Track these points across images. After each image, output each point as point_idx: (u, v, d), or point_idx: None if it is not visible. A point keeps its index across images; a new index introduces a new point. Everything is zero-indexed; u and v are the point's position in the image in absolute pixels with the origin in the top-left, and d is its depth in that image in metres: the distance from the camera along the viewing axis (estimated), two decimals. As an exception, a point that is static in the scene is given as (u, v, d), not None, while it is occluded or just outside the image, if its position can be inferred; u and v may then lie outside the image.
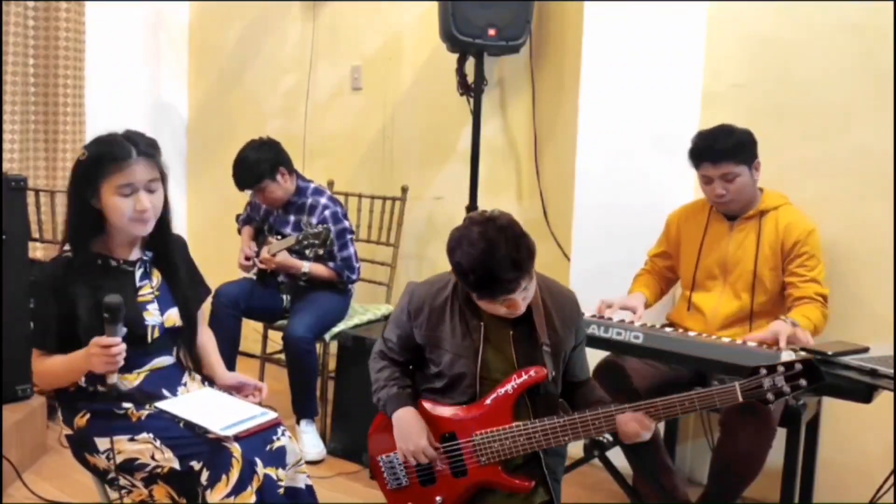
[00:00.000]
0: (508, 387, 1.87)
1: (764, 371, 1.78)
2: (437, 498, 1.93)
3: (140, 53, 4.64)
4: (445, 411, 1.93)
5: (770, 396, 1.78)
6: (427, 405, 1.96)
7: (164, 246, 2.04)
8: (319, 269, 3.27)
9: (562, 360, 1.93)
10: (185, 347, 2.08)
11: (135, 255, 2.00)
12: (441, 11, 3.19)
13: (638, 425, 1.83)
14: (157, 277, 2.03)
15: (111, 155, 1.86)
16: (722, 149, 2.43)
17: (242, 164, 3.27)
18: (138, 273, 1.99)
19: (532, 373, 1.86)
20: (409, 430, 1.90)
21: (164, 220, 1.99)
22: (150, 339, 1.95)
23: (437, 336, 1.93)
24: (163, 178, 1.94)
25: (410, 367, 2.07)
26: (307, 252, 3.13)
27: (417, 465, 1.94)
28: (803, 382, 1.76)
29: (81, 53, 4.18)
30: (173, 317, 2.01)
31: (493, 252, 1.69)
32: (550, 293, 1.94)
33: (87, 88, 4.25)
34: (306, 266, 3.23)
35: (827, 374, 2.03)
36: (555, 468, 1.93)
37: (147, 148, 1.91)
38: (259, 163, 3.24)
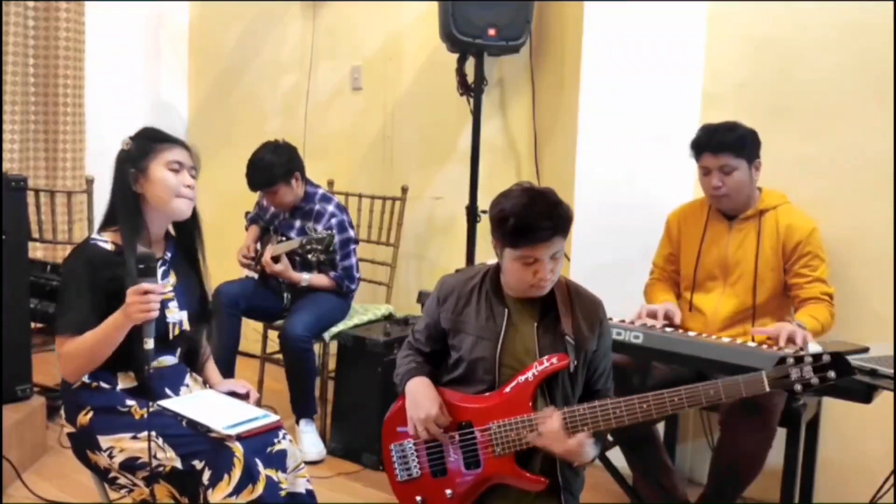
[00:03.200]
0: (529, 374, 1.86)
1: (791, 361, 1.74)
2: (447, 491, 1.91)
3: (140, 53, 4.64)
4: (464, 399, 1.93)
5: (798, 388, 1.72)
6: (445, 392, 1.95)
7: (192, 244, 2.08)
8: (319, 280, 3.28)
9: (584, 359, 1.92)
10: (191, 350, 2.10)
11: (159, 252, 2.03)
12: (441, 11, 3.19)
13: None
14: (173, 278, 2.04)
15: (162, 135, 2.00)
16: (723, 140, 2.44)
17: (257, 166, 3.27)
18: (160, 270, 2.00)
19: (554, 360, 1.85)
20: (421, 398, 1.91)
21: (196, 217, 2.07)
22: (171, 336, 1.97)
23: (462, 320, 1.96)
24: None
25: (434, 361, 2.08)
26: (309, 257, 3.13)
27: (429, 452, 1.93)
28: (832, 375, 1.71)
29: (81, 53, 4.19)
30: (184, 319, 2.02)
31: (534, 202, 1.82)
32: (578, 294, 1.97)
33: (87, 88, 4.26)
34: (305, 279, 3.24)
35: (827, 374, 2.03)
36: (570, 480, 1.90)
37: (186, 143, 2.03)
38: (275, 166, 3.24)
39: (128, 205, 1.95)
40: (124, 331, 1.85)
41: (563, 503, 1.87)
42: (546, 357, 1.87)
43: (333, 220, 3.29)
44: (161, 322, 1.92)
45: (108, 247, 1.95)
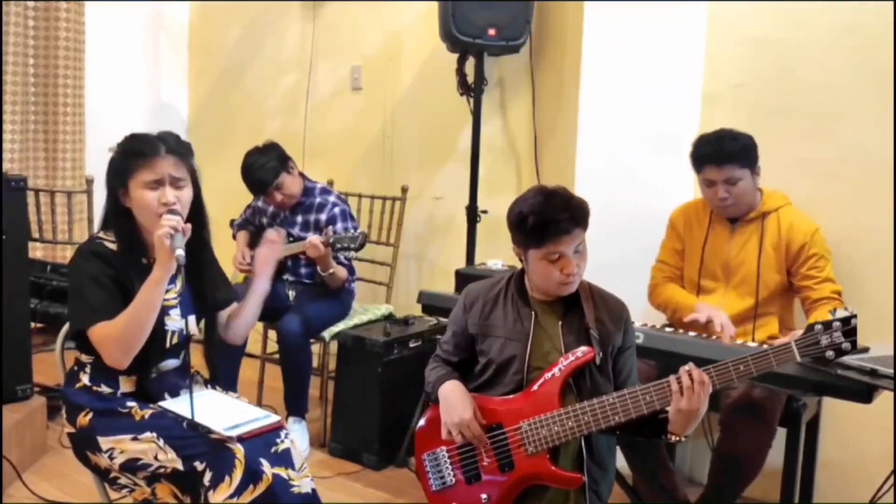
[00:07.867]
0: (556, 370, 1.87)
1: (819, 327, 1.72)
2: (483, 496, 1.91)
3: (140, 53, 4.64)
4: (492, 402, 1.93)
5: (830, 354, 1.72)
6: (474, 396, 1.95)
7: (199, 252, 2.01)
8: (341, 272, 3.28)
9: (609, 354, 1.93)
10: (205, 356, 2.09)
11: None
12: (441, 11, 3.19)
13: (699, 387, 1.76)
14: (180, 282, 2.01)
15: (139, 151, 1.90)
16: (728, 151, 2.43)
17: (254, 168, 3.26)
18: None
19: (579, 353, 1.86)
20: (454, 402, 1.92)
21: (199, 224, 1.98)
22: (168, 345, 1.95)
23: (490, 324, 1.97)
24: (194, 181, 1.97)
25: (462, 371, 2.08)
26: (340, 256, 3.14)
27: (462, 459, 1.93)
28: None
29: (81, 53, 4.19)
30: (190, 325, 2.00)
31: (550, 198, 1.85)
32: (600, 294, 2.00)
33: (87, 88, 4.26)
34: (334, 267, 3.21)
35: (827, 374, 2.03)
36: (598, 479, 1.90)
37: (177, 146, 1.94)
38: (269, 162, 3.26)
39: (119, 220, 1.94)
40: (162, 285, 1.82)
41: (588, 502, 1.86)
42: (571, 352, 1.87)
43: (336, 209, 3.31)
44: (160, 330, 1.90)
45: (113, 247, 1.93)
